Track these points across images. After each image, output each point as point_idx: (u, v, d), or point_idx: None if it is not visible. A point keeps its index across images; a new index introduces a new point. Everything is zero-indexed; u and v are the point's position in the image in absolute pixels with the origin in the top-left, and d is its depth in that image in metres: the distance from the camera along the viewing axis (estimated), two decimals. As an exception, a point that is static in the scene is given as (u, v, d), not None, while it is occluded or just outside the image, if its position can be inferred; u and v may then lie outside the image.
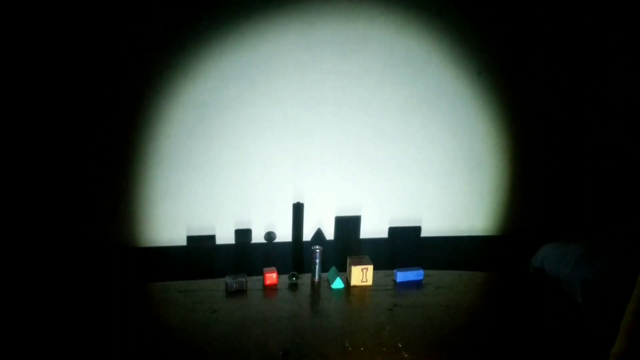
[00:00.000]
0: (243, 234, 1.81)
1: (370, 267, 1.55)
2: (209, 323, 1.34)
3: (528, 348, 1.27)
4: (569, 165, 1.91)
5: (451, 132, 1.81)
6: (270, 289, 1.54)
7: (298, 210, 1.80)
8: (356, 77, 1.71)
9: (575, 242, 1.65)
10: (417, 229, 1.88)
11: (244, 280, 1.53)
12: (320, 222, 1.84)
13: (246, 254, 1.81)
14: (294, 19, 1.63)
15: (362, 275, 1.56)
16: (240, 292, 1.51)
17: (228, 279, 1.52)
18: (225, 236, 1.81)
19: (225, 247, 1.81)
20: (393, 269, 1.61)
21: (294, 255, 1.82)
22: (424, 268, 1.62)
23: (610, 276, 1.45)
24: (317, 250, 1.57)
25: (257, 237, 1.83)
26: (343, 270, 1.61)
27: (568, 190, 1.93)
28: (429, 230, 1.89)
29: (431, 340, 1.28)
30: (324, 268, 1.60)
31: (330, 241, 1.84)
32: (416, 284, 1.58)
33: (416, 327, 1.34)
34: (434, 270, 1.66)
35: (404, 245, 1.87)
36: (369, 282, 1.56)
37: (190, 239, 1.79)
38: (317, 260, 1.58)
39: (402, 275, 1.58)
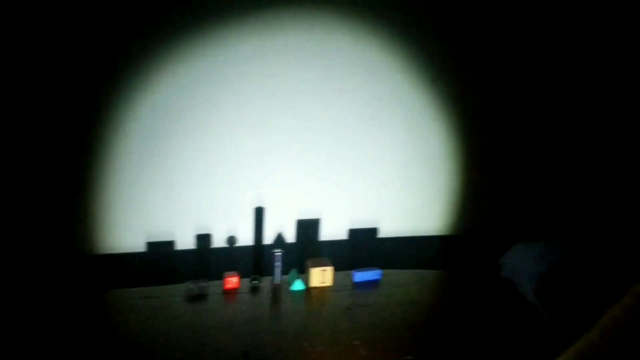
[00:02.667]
0: (203, 239, 1.87)
1: (330, 269, 1.65)
2: (169, 329, 1.40)
3: (479, 341, 1.39)
4: (523, 167, 2.06)
5: (407, 137, 1.92)
6: (231, 293, 1.61)
7: (259, 214, 1.87)
8: (316, 84, 1.80)
9: (530, 241, 1.80)
10: (375, 230, 1.99)
11: (205, 285, 1.59)
12: (281, 225, 1.92)
13: (207, 259, 1.86)
14: (256, 26, 1.70)
15: (321, 276, 1.65)
16: (201, 297, 1.58)
17: (189, 284, 1.58)
18: (185, 241, 1.86)
19: (186, 253, 1.85)
20: (352, 269, 1.71)
21: (255, 258, 1.89)
22: (383, 268, 1.72)
23: (561, 274, 1.59)
24: (278, 254, 1.66)
25: (218, 242, 1.88)
26: (304, 272, 1.70)
27: (522, 191, 2.08)
28: (387, 231, 2.00)
29: (387, 337, 1.39)
30: (285, 271, 1.68)
31: (291, 244, 1.92)
32: (374, 284, 1.69)
33: (373, 324, 1.45)
34: (391, 269, 1.76)
35: (362, 246, 1.97)
36: (329, 283, 1.66)
37: (149, 245, 1.82)
38: (278, 264, 1.66)
39: (359, 276, 1.69)
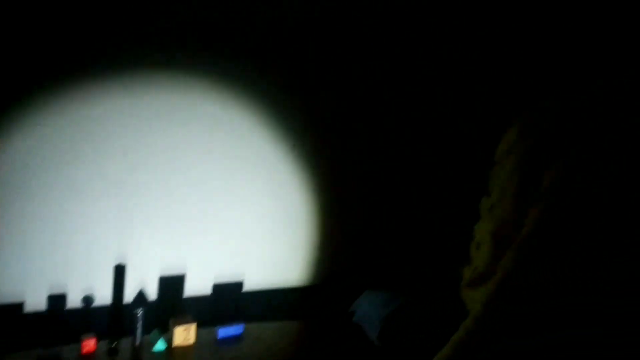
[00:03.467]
0: (57, 300, 1.79)
1: (193, 326, 1.70)
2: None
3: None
4: (379, 219, 2.31)
5: (270, 195, 2.08)
6: (88, 357, 1.58)
7: (120, 271, 1.86)
8: (183, 144, 1.88)
9: (382, 289, 2.02)
10: (240, 284, 2.09)
11: (58, 350, 1.54)
12: (143, 282, 1.92)
13: (61, 321, 1.79)
14: (124, 85, 1.75)
15: (184, 335, 1.69)
16: (54, 363, 1.52)
17: (39, 351, 1.52)
18: (36, 302, 1.77)
19: (37, 315, 1.76)
20: (217, 324, 1.78)
21: (115, 319, 1.86)
22: (248, 321, 1.82)
23: (399, 319, 1.81)
24: (139, 313, 1.66)
25: (74, 302, 1.82)
26: (167, 331, 1.72)
27: (378, 242, 2.33)
28: (251, 284, 2.11)
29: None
30: (147, 330, 1.69)
31: (154, 302, 1.93)
32: (237, 339, 1.77)
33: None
34: (255, 323, 1.87)
35: (227, 300, 2.05)
36: (192, 341, 1.70)
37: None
38: (139, 324, 1.67)
39: (223, 332, 1.77)
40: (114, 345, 1.64)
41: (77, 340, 1.61)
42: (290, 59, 1.99)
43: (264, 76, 1.97)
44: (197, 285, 2.01)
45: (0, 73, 1.58)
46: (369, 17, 2.06)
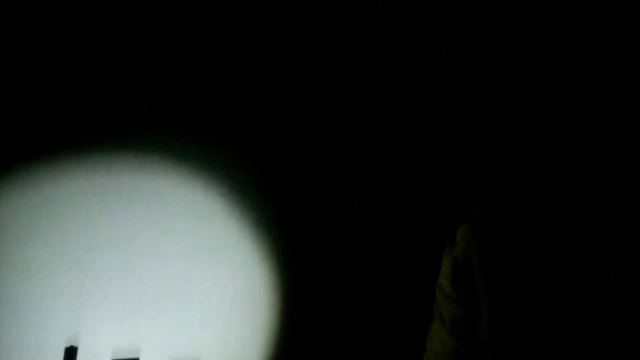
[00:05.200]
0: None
1: (142, 414, 1.65)
2: None
3: None
4: (337, 298, 2.33)
5: (231, 276, 2.11)
6: None
7: (71, 354, 1.82)
8: (144, 223, 1.94)
9: None
10: None
11: None
12: (94, 365, 1.88)
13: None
14: (87, 166, 1.82)
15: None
16: None
17: None
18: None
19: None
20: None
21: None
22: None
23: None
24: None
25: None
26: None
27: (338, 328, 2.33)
28: None
29: None
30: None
31: None
32: None
33: None
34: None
35: None
36: None
37: None
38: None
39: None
40: None
41: None
42: (254, 136, 2.11)
43: (227, 155, 2.08)
44: None
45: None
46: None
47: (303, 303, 2.28)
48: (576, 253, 1.21)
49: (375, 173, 2.33)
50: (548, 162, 1.35)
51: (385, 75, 2.23)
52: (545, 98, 1.77)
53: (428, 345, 1.41)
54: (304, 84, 2.15)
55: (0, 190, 1.71)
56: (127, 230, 1.92)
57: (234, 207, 2.10)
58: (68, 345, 1.83)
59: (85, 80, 1.86)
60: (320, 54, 2.15)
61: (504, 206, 1.28)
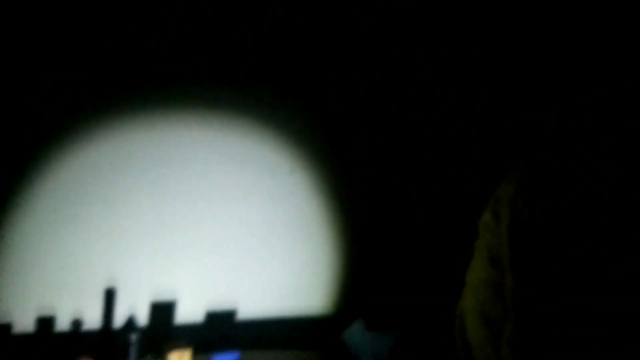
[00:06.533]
0: (46, 322, 1.84)
1: (187, 352, 1.78)
2: None
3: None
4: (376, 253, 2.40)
5: (267, 221, 2.15)
6: (81, 380, 1.64)
7: (110, 295, 1.92)
8: (177, 166, 1.97)
9: (373, 322, 2.09)
10: (233, 313, 2.14)
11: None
12: (133, 307, 1.99)
13: (50, 344, 1.84)
14: (124, 115, 1.87)
15: (178, 360, 1.78)
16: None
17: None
18: (24, 324, 1.82)
19: (25, 337, 1.81)
20: (211, 352, 1.86)
21: (104, 344, 1.91)
22: (243, 349, 1.89)
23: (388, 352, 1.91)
24: (132, 338, 1.75)
25: (63, 325, 1.87)
26: (160, 357, 1.80)
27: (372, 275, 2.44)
28: (246, 312, 2.16)
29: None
30: (140, 355, 1.77)
31: (145, 328, 1.98)
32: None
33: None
34: (250, 351, 1.96)
35: (221, 328, 2.10)
36: (186, 367, 1.79)
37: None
38: (132, 348, 1.75)
39: (218, 359, 1.86)
40: (107, 369, 1.71)
41: (70, 361, 1.67)
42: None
43: (260, 96, 2.08)
44: (189, 312, 2.06)
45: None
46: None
47: (338, 249, 2.33)
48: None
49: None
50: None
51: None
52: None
53: (467, 280, 1.44)
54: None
55: (46, 141, 1.75)
56: (160, 174, 1.96)
57: (272, 151, 2.12)
58: (107, 287, 1.94)
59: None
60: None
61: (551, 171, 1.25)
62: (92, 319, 1.91)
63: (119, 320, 1.95)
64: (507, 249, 1.19)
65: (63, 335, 1.86)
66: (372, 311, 2.29)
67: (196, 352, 1.84)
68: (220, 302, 2.13)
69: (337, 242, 2.32)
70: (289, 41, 2.07)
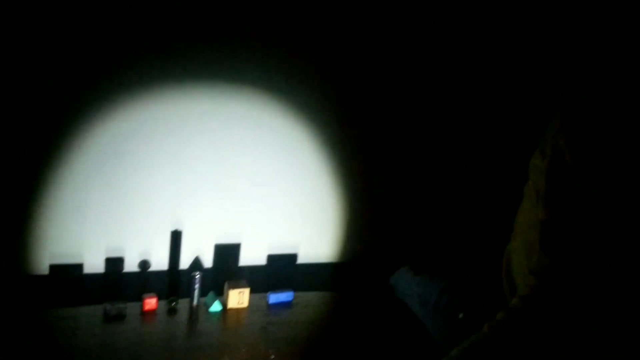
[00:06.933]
0: (115, 263, 1.93)
1: (246, 290, 1.84)
2: (90, 346, 1.49)
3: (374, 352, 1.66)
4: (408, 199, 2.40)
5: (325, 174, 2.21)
6: (149, 314, 1.72)
7: (176, 237, 1.99)
8: (238, 120, 2.01)
9: (418, 268, 2.12)
10: (294, 256, 2.22)
11: (123, 306, 1.69)
12: (199, 249, 2.05)
13: (119, 283, 1.93)
14: (178, 68, 1.89)
15: (238, 298, 1.83)
16: (119, 317, 1.67)
17: (107, 305, 1.66)
18: (94, 264, 1.91)
19: (95, 276, 1.90)
20: (268, 291, 1.93)
21: (171, 282, 1.99)
22: (297, 290, 1.96)
23: (448, 299, 1.89)
24: (196, 276, 1.80)
25: (131, 266, 1.96)
26: (221, 294, 1.86)
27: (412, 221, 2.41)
28: (304, 256, 2.23)
29: (299, 351, 1.62)
30: (203, 293, 1.83)
31: (209, 268, 2.06)
32: (287, 305, 1.91)
33: (285, 340, 1.67)
34: (303, 292, 2.00)
35: (281, 271, 2.18)
36: (245, 304, 1.84)
37: (54, 268, 1.84)
38: (196, 286, 1.81)
39: (274, 297, 1.90)
40: (173, 304, 1.78)
41: (137, 299, 1.75)
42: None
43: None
44: (251, 255, 2.14)
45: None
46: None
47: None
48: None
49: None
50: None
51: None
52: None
53: (515, 223, 1.45)
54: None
55: (110, 91, 1.81)
56: (221, 124, 2.00)
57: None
58: (173, 229, 2.00)
59: None
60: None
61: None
62: (159, 261, 2.00)
63: (184, 261, 2.03)
64: (544, 182, 1.19)
65: (131, 275, 1.95)
66: (420, 256, 2.31)
67: (254, 291, 1.87)
68: (281, 246, 2.20)
69: (386, 191, 2.34)
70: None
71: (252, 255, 2.14)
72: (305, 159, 2.16)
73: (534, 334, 1.14)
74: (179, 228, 2.01)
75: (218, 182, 2.05)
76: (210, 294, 1.84)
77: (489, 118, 2.34)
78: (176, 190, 1.99)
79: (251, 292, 1.87)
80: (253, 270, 2.13)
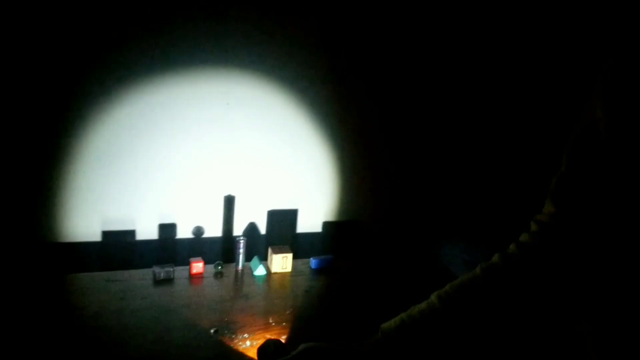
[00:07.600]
0: (167, 229, 1.99)
1: (290, 255, 1.86)
2: (140, 308, 1.56)
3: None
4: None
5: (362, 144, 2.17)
6: (196, 278, 1.78)
7: (229, 203, 2.02)
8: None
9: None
10: (353, 223, 2.25)
11: (171, 269, 1.75)
12: (253, 215, 2.09)
13: (171, 249, 2.00)
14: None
15: (282, 263, 1.85)
16: (168, 280, 1.73)
17: (155, 269, 1.73)
18: (147, 231, 1.98)
19: (148, 242, 1.98)
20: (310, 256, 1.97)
21: (224, 248, 2.04)
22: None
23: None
24: (241, 241, 1.84)
25: (184, 232, 2.02)
26: (266, 259, 1.91)
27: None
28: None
29: (339, 312, 1.64)
30: (250, 258, 1.87)
31: (263, 235, 2.11)
32: (328, 269, 1.92)
33: (327, 302, 1.70)
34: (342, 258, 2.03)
35: (336, 237, 2.23)
36: (289, 269, 1.87)
37: (106, 234, 1.92)
38: (241, 250, 1.84)
39: (315, 262, 1.92)
40: (219, 268, 1.83)
41: (186, 264, 1.81)
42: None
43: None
44: (307, 222, 2.19)
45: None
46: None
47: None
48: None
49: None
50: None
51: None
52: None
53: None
54: None
55: (141, 65, 1.84)
56: (272, 97, 2.00)
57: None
58: (227, 194, 2.04)
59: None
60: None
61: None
62: (212, 227, 2.06)
63: (237, 228, 2.08)
64: (572, 141, 1.12)
65: (184, 241, 2.01)
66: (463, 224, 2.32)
67: (297, 257, 1.91)
68: (336, 213, 2.24)
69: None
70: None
71: (308, 223, 2.19)
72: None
73: (525, 282, 1.09)
74: (232, 194, 2.04)
75: (274, 149, 2.07)
76: (255, 259, 1.87)
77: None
78: (230, 154, 2.01)
79: (297, 257, 1.91)
80: (310, 237, 2.18)
